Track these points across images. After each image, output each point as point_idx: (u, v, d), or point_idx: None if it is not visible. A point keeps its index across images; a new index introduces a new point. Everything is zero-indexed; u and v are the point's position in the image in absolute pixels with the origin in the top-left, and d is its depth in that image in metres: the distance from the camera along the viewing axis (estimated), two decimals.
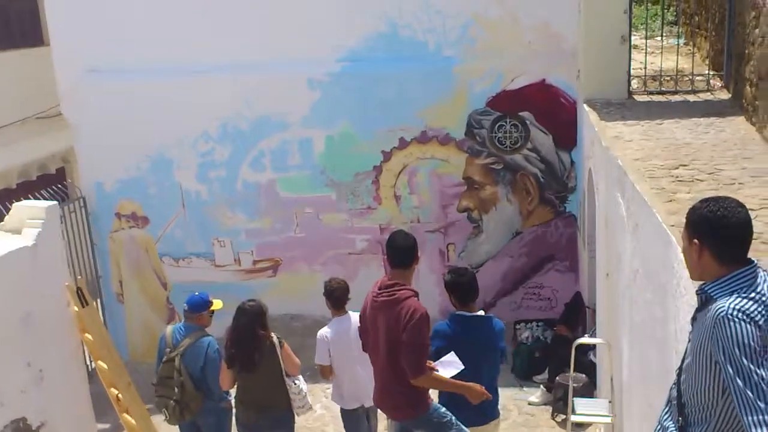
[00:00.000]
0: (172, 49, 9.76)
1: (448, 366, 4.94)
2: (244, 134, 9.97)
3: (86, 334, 6.64)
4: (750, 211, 4.54)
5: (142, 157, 10.29)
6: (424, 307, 4.83)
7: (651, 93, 8.33)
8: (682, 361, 2.81)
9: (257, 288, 10.39)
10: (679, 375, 2.84)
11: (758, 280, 2.63)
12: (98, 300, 10.89)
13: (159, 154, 10.25)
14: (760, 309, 2.53)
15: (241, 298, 10.32)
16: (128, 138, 10.13)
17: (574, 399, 6.56)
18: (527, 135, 9.34)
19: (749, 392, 2.37)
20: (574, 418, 6.42)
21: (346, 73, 9.51)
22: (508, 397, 8.01)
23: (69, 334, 6.48)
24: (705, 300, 2.71)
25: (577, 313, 8.46)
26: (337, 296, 6.35)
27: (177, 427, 6.42)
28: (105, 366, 6.70)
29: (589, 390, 7.35)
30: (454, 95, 9.37)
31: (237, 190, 10.19)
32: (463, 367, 4.91)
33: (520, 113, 9.30)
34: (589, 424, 6.90)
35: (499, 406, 7.74)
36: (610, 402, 6.24)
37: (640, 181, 5.29)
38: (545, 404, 7.73)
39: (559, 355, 7.24)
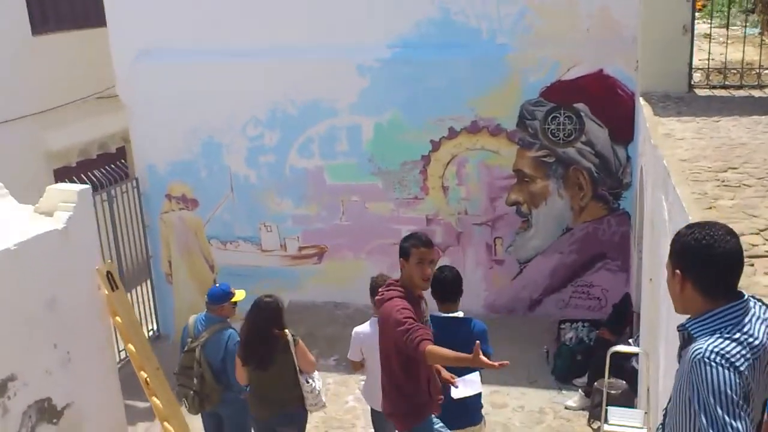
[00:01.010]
0: (224, 32, 9.74)
1: (468, 384, 4.73)
2: (292, 120, 9.86)
3: (116, 318, 6.62)
4: None
5: (193, 140, 10.31)
6: (393, 292, 4.53)
7: (713, 87, 7.85)
8: (669, 401, 2.53)
9: (302, 275, 10.37)
10: (664, 416, 2.56)
11: (747, 318, 2.32)
12: (149, 280, 11.03)
13: (209, 137, 10.24)
14: (743, 352, 2.23)
15: (286, 285, 10.46)
16: (180, 121, 10.18)
17: (609, 408, 6.28)
18: (581, 128, 8.96)
19: None
20: (606, 428, 6.13)
21: (396, 59, 9.29)
22: (545, 399, 7.75)
23: (98, 317, 6.48)
24: (687, 338, 2.42)
25: (624, 317, 8.09)
26: None
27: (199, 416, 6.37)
28: (134, 349, 6.68)
29: (629, 398, 7.02)
30: (507, 84, 9.05)
31: (285, 176, 10.11)
32: (481, 390, 4.70)
33: (575, 105, 8.93)
34: None
35: (536, 408, 7.62)
36: (646, 413, 5.92)
37: (682, 185, 4.94)
38: (582, 409, 7.42)
39: (599, 359, 6.91)
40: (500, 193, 9.42)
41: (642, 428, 5.83)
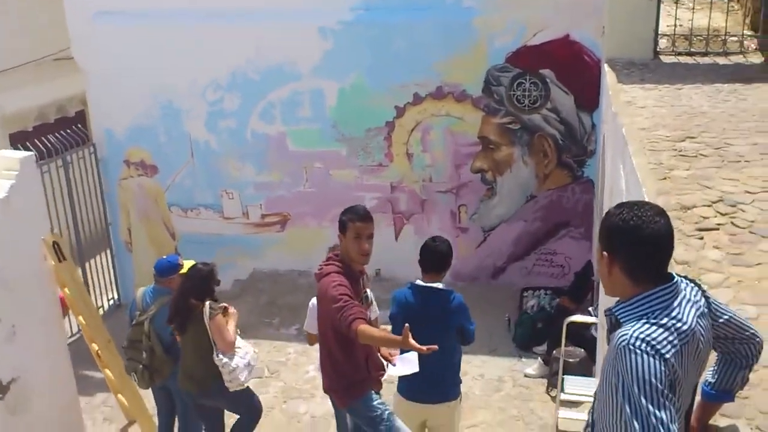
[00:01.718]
0: None
1: (406, 363, 4.60)
2: (254, 84, 9.63)
3: (65, 289, 6.44)
4: (747, 194, 4.13)
5: (152, 105, 10.05)
6: (331, 267, 4.42)
7: (679, 54, 7.72)
8: (598, 385, 2.42)
9: (265, 243, 10.22)
10: (594, 400, 2.46)
11: (676, 302, 2.19)
12: (108, 248, 10.81)
13: (168, 101, 9.99)
14: (671, 338, 2.11)
15: (249, 253, 10.30)
16: (138, 84, 9.91)
17: (565, 376, 6.23)
18: (547, 94, 8.81)
19: None
20: (563, 396, 6.08)
21: (360, 22, 9.05)
22: (505, 367, 7.69)
23: (45, 289, 6.27)
24: (614, 323, 2.31)
25: (585, 285, 8.02)
26: None
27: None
28: (84, 322, 6.51)
29: (587, 366, 6.97)
30: (473, 49, 8.86)
31: (246, 142, 9.90)
32: (417, 370, 4.57)
33: (541, 71, 8.77)
34: (581, 402, 6.53)
35: (495, 376, 7.56)
36: (601, 367, 5.84)
37: (638, 154, 4.83)
38: (542, 377, 7.36)
39: (559, 328, 6.84)
40: (465, 160, 9.28)
41: None
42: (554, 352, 7.05)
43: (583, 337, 7.07)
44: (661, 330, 2.10)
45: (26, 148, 9.21)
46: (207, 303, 5.42)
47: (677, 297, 2.19)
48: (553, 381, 7.01)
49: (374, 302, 5.30)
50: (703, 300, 2.29)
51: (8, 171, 5.97)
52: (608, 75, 7.13)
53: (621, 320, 2.23)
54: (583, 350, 7.01)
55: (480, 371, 7.51)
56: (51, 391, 6.36)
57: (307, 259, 9.78)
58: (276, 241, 10.18)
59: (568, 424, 6.28)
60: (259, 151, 9.88)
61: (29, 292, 6.08)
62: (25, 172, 6.03)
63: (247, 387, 5.68)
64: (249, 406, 5.81)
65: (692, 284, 2.30)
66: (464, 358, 7.64)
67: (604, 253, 2.29)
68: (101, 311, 10.18)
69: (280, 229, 10.16)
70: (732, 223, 3.72)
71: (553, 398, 6.81)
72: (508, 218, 9.33)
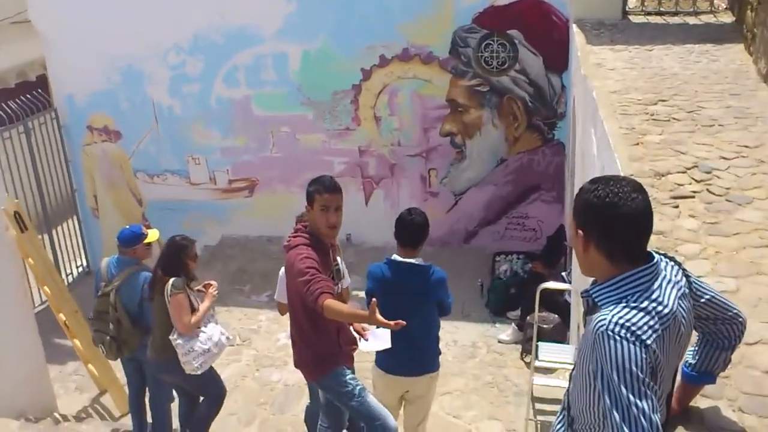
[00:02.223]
0: None
1: (378, 339, 4.51)
2: (217, 47, 9.39)
3: (28, 259, 6.28)
4: (722, 160, 4.09)
5: (112, 69, 9.79)
6: (299, 239, 4.29)
7: (648, 14, 7.66)
8: (573, 368, 2.35)
9: (233, 208, 10.09)
10: (570, 383, 2.39)
11: (656, 284, 2.10)
12: (75, 215, 10.61)
13: (129, 66, 9.74)
14: (651, 323, 2.02)
15: (217, 219, 10.17)
16: (98, 48, 9.65)
17: (539, 343, 6.20)
18: (516, 55, 8.69)
19: (625, 428, 1.93)
20: (537, 363, 6.07)
21: None
22: (479, 333, 7.68)
23: (7, 259, 6.11)
24: (591, 305, 2.23)
25: (558, 249, 7.99)
26: None
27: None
28: (49, 291, 6.36)
29: (561, 332, 6.98)
30: (438, 9, 8.70)
31: (211, 106, 9.70)
32: (389, 346, 4.49)
33: (509, 31, 8.62)
34: (555, 369, 6.54)
35: (469, 342, 7.54)
36: (577, 349, 5.84)
37: (609, 119, 4.76)
38: (516, 343, 7.36)
39: (533, 293, 6.81)
40: (434, 124, 9.17)
41: (572, 364, 5.76)
42: (528, 317, 7.04)
43: (556, 302, 7.06)
44: (641, 314, 2.03)
45: None
46: (171, 280, 5.26)
47: (657, 278, 2.11)
48: (527, 347, 7.00)
49: (346, 273, 5.19)
50: (683, 280, 2.21)
51: None
52: (577, 36, 7.04)
53: (599, 303, 2.15)
54: (556, 316, 7.00)
55: (453, 337, 7.47)
56: (18, 361, 6.24)
57: (277, 225, 9.67)
58: (244, 207, 10.04)
59: (542, 391, 6.28)
60: (224, 115, 9.69)
61: None
62: None
63: (209, 371, 5.51)
64: (208, 391, 5.65)
65: (672, 263, 2.23)
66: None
67: (579, 231, 2.20)
68: (70, 278, 10.04)
69: (248, 194, 10.02)
70: (708, 190, 3.68)
71: (528, 364, 6.80)
72: (478, 182, 9.26)
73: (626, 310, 2.04)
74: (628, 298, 2.07)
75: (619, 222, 2.09)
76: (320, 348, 4.40)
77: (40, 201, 9.75)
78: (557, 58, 8.53)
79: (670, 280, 2.14)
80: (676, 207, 3.53)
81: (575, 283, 6.22)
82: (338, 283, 4.60)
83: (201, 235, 10.08)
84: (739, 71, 5.68)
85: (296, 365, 4.63)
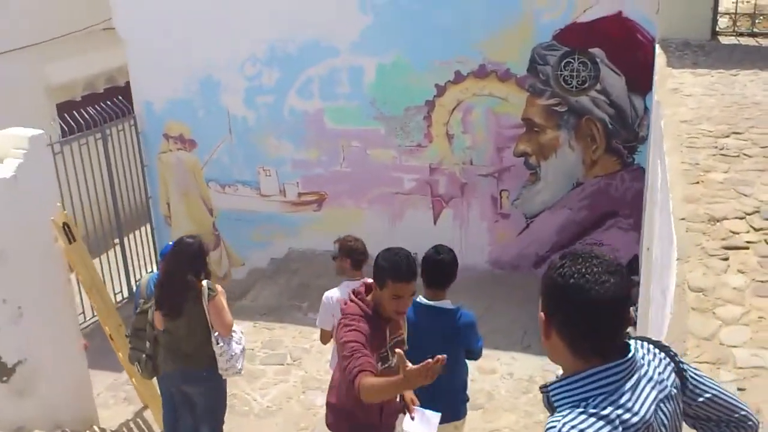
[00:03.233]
0: None
1: (424, 422, 4.05)
2: (292, 58, 9.31)
3: (75, 271, 6.28)
4: None
5: (190, 78, 9.84)
6: (354, 307, 3.93)
7: (741, 35, 7.09)
8: None
9: (301, 221, 9.97)
10: None
11: (628, 385, 1.75)
12: (149, 222, 10.72)
13: (207, 75, 9.76)
14: None
15: (285, 231, 10.07)
16: (177, 57, 9.71)
17: None
18: (597, 75, 8.25)
19: None
20: None
21: None
22: (537, 366, 7.25)
23: (53, 271, 6.12)
24: (549, 404, 1.90)
25: (629, 279, 7.47)
26: (358, 256, 5.63)
27: None
28: (95, 304, 6.35)
29: None
30: (518, 26, 8.35)
31: (284, 118, 9.61)
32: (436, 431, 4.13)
33: (591, 50, 8.19)
34: None
35: (525, 376, 7.15)
36: None
37: (673, 152, 4.35)
38: None
39: None
40: (508, 143, 8.80)
41: None
42: None
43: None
44: (599, 424, 1.69)
45: (70, 119, 9.19)
46: (204, 282, 5.12)
47: (631, 377, 1.76)
48: None
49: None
50: (672, 377, 1.85)
51: (17, 149, 5.79)
52: (658, 57, 6.58)
53: (554, 403, 1.82)
54: None
55: (509, 369, 7.11)
56: (60, 374, 6.24)
57: None
58: (312, 221, 9.90)
59: None
60: (296, 127, 9.59)
61: (36, 274, 5.94)
62: (33, 151, 5.84)
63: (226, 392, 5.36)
64: (219, 410, 5.50)
65: (661, 355, 1.87)
66: (493, 354, 7.38)
67: (541, 314, 1.89)
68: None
69: (316, 208, 9.88)
70: (765, 241, 3.25)
71: None
72: (552, 205, 8.83)
73: (582, 417, 1.71)
74: (589, 401, 1.74)
75: (583, 309, 1.76)
76: (359, 417, 4.06)
77: (114, 208, 9.88)
78: (641, 79, 8.04)
79: (650, 379, 1.79)
80: (726, 259, 3.12)
81: (639, 321, 5.76)
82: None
83: (268, 247, 10.11)
84: None
85: (329, 426, 4.34)
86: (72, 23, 11.69)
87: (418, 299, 4.48)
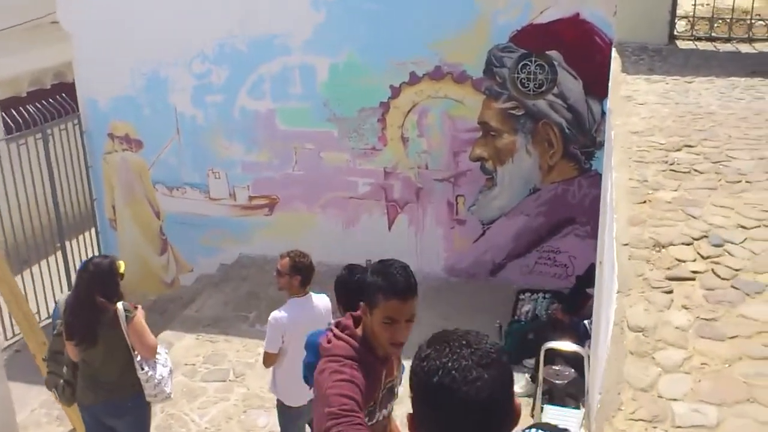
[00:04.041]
0: None
1: None
2: (242, 56, 8.98)
3: None
4: (740, 230, 3.40)
5: (136, 75, 9.48)
6: (343, 346, 3.04)
7: (698, 39, 6.89)
8: None
9: (252, 226, 9.66)
10: None
11: None
12: (94, 226, 10.32)
13: (153, 72, 9.40)
14: None
15: (235, 236, 9.72)
16: (123, 51, 9.36)
17: (546, 407, 5.55)
18: (554, 78, 8.03)
19: None
20: None
21: None
22: None
23: None
24: None
25: (584, 292, 7.26)
26: (309, 273, 5.33)
27: None
28: (19, 324, 5.99)
29: (579, 388, 6.26)
30: (474, 27, 8.09)
31: (234, 118, 9.28)
32: None
33: (548, 52, 7.98)
34: None
35: None
36: (584, 417, 5.19)
37: (622, 166, 4.10)
38: (529, 396, 6.67)
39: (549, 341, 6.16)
40: (464, 147, 8.55)
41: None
42: (544, 368, 6.35)
43: (574, 354, 6.36)
44: None
45: (8, 118, 8.79)
46: (120, 304, 4.77)
47: None
48: (543, 400, 6.32)
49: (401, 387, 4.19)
50: None
51: None
52: (613, 62, 6.35)
53: None
54: (573, 370, 6.28)
55: None
56: None
57: (296, 245, 9.08)
58: (264, 225, 9.58)
59: None
60: (247, 128, 9.27)
61: None
62: None
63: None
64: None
65: None
66: None
67: (409, 413, 1.60)
68: None
69: (268, 212, 9.55)
70: (713, 271, 2.99)
71: None
72: (508, 211, 8.59)
73: None
74: None
75: (450, 412, 1.48)
76: None
77: (55, 211, 9.48)
78: (598, 83, 7.77)
79: None
80: (669, 292, 2.86)
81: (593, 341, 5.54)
82: (388, 404, 3.42)
83: (218, 253, 9.77)
84: None
85: None
86: (17, 15, 11.22)
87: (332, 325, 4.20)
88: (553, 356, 6.34)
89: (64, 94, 9.81)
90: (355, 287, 4.15)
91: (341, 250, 9.03)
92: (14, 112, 9.00)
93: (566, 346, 5.78)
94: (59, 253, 9.57)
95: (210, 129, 9.39)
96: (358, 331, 3.09)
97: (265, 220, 9.56)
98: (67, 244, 9.68)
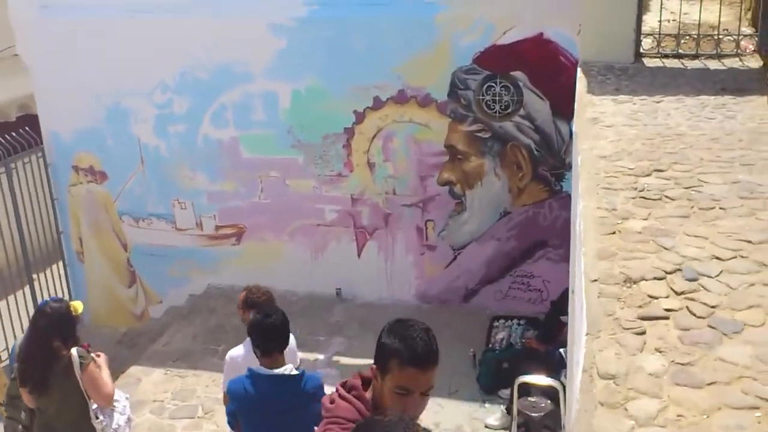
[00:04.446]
0: None
1: None
2: (204, 84, 8.81)
3: None
4: (715, 261, 3.26)
5: (97, 106, 9.28)
6: (350, 410, 2.74)
7: (665, 56, 6.79)
8: None
9: (220, 256, 9.45)
10: None
11: None
12: (61, 259, 10.07)
13: (115, 103, 9.22)
14: None
15: (203, 267, 9.49)
16: (83, 84, 9.19)
17: None
18: (520, 99, 7.92)
19: None
20: None
21: (314, 18, 8.21)
22: (465, 414, 6.83)
23: None
24: None
25: (558, 320, 7.10)
26: (260, 309, 5.15)
27: None
28: None
29: (556, 420, 6.10)
30: (436, 49, 7.98)
31: (198, 147, 9.09)
32: None
33: (513, 73, 7.87)
34: None
35: (452, 426, 6.70)
36: None
37: (589, 194, 3.95)
38: (504, 429, 6.50)
39: (524, 373, 6.00)
40: (431, 171, 8.41)
41: None
42: (519, 400, 6.18)
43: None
44: None
45: None
46: (74, 350, 4.56)
47: None
48: None
49: None
50: None
51: None
52: (579, 83, 6.24)
53: None
54: (549, 402, 6.11)
55: (436, 419, 6.62)
56: None
57: (265, 275, 8.92)
58: (232, 255, 9.37)
59: None
60: (211, 157, 9.08)
61: None
62: None
63: None
64: None
65: None
66: None
67: None
68: None
69: (235, 242, 9.34)
70: (688, 308, 2.83)
71: None
72: (479, 236, 8.45)
73: None
74: None
75: None
76: None
77: (21, 245, 9.23)
78: (565, 103, 7.67)
79: None
80: (642, 333, 2.70)
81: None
82: None
83: (187, 284, 9.55)
84: (758, 132, 4.81)
85: None
86: None
87: (254, 369, 4.08)
88: (529, 387, 6.18)
89: (27, 128, 9.57)
90: (270, 329, 4.10)
91: (310, 279, 8.91)
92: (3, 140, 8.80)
93: (541, 380, 5.61)
94: (27, 288, 9.28)
95: (174, 159, 9.19)
96: (367, 393, 2.77)
97: (232, 249, 9.36)
98: (36, 277, 9.41)
